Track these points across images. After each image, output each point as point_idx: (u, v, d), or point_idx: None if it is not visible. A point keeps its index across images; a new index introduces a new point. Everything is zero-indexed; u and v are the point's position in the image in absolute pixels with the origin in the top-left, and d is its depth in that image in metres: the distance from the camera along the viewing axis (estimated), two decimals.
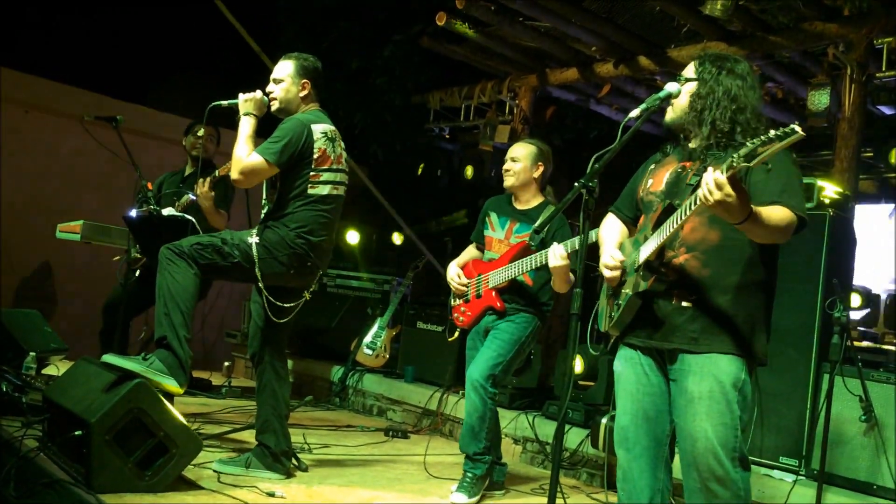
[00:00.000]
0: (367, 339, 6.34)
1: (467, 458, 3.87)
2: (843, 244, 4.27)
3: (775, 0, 5.16)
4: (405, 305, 6.45)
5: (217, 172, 4.44)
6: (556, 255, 3.54)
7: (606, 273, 2.64)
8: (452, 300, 4.17)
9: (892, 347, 5.75)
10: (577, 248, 3.54)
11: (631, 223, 2.84)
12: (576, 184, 2.38)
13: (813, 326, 4.02)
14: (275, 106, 3.66)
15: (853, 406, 3.78)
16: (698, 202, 2.28)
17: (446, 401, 5.58)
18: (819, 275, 4.02)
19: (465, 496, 3.75)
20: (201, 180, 4.46)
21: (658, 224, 2.54)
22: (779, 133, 2.10)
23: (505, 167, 4.05)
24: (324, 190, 3.62)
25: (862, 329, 6.46)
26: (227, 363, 6.65)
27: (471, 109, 7.55)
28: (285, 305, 3.65)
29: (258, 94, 3.61)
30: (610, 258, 2.64)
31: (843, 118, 4.99)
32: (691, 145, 2.67)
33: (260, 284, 3.54)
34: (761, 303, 2.60)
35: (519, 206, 4.07)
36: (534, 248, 3.75)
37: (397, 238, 7.71)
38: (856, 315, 6.40)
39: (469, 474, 3.83)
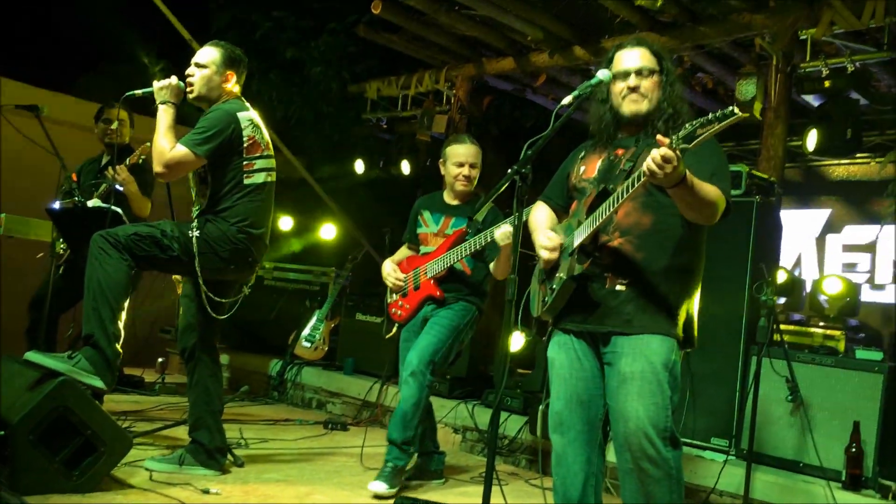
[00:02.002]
0: (306, 331, 6.29)
1: (393, 445, 3.76)
2: (769, 230, 4.40)
3: None
4: (344, 297, 6.40)
5: (128, 160, 4.28)
6: (504, 233, 3.51)
7: (544, 254, 2.65)
8: (389, 297, 4.13)
9: (818, 331, 5.97)
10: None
11: (561, 210, 2.86)
12: (509, 170, 2.38)
13: (741, 311, 4.13)
14: (191, 93, 3.52)
15: (780, 387, 3.90)
16: (640, 180, 2.31)
17: (386, 392, 5.56)
18: (747, 260, 4.14)
19: (385, 485, 3.64)
20: (118, 167, 4.28)
21: (592, 209, 2.57)
22: (717, 115, 2.15)
23: (464, 173, 3.97)
24: (259, 178, 3.56)
25: (790, 314, 6.67)
26: (160, 359, 6.49)
27: (408, 99, 7.52)
28: (224, 301, 3.58)
29: (174, 80, 3.47)
30: (546, 239, 2.66)
31: (769, 107, 5.12)
32: (628, 135, 2.70)
33: (199, 280, 3.45)
34: (691, 286, 2.67)
35: (452, 202, 4.07)
36: (470, 237, 3.77)
37: (333, 229, 7.63)
38: (782, 299, 6.61)
39: (391, 464, 3.73)
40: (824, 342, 4.59)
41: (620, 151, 2.67)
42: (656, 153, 2.24)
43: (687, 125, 2.21)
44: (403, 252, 4.22)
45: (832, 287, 5.75)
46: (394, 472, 3.73)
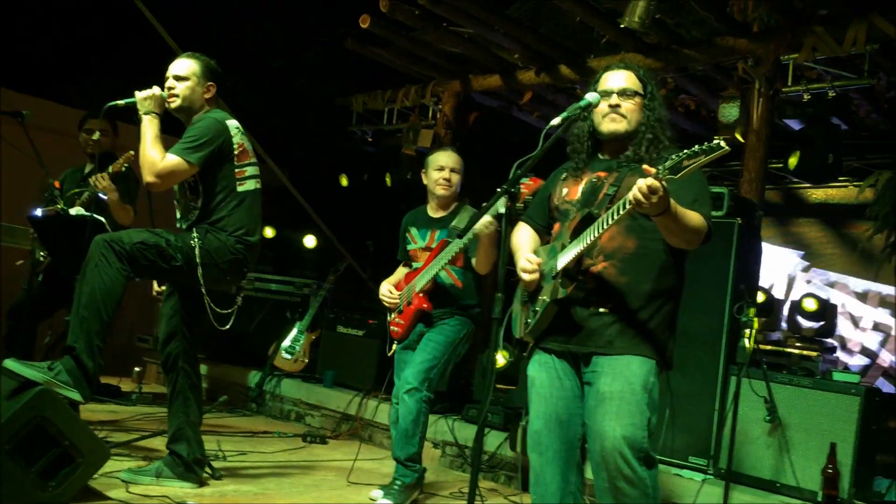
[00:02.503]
0: (286, 343, 6.25)
1: (399, 463, 3.81)
2: (749, 252, 4.45)
3: (689, 15, 5.33)
4: (325, 309, 6.38)
5: (111, 169, 4.24)
6: (484, 222, 3.48)
7: (525, 276, 2.68)
8: (389, 316, 4.14)
9: (795, 351, 6.03)
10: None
11: (543, 231, 2.89)
12: (498, 189, 2.40)
13: (721, 330, 4.16)
14: (175, 104, 3.51)
15: (759, 407, 3.93)
16: (626, 207, 2.34)
17: (366, 405, 5.54)
18: (728, 281, 4.17)
19: (390, 502, 3.70)
20: (99, 175, 4.24)
21: (576, 233, 2.59)
22: (704, 148, 2.18)
23: (444, 177, 3.99)
24: (251, 185, 3.58)
25: (767, 333, 6.75)
26: (137, 368, 6.41)
27: (394, 113, 7.54)
28: (224, 311, 3.57)
29: (156, 90, 3.46)
30: (527, 262, 2.68)
31: (751, 130, 5.19)
32: (610, 157, 2.74)
33: (203, 290, 3.43)
34: (672, 309, 2.70)
35: (436, 215, 4.09)
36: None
37: (311, 241, 7.62)
38: (760, 320, 6.69)
39: (398, 482, 3.78)
40: (801, 363, 4.65)
41: (603, 174, 2.70)
42: (642, 183, 2.26)
43: (673, 156, 2.23)
44: (400, 272, 4.22)
45: (809, 306, 5.82)
46: (402, 490, 3.76)
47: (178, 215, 3.59)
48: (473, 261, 3.83)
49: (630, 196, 2.31)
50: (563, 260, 2.60)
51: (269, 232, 7.86)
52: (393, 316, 4.08)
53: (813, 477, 3.73)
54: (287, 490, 3.79)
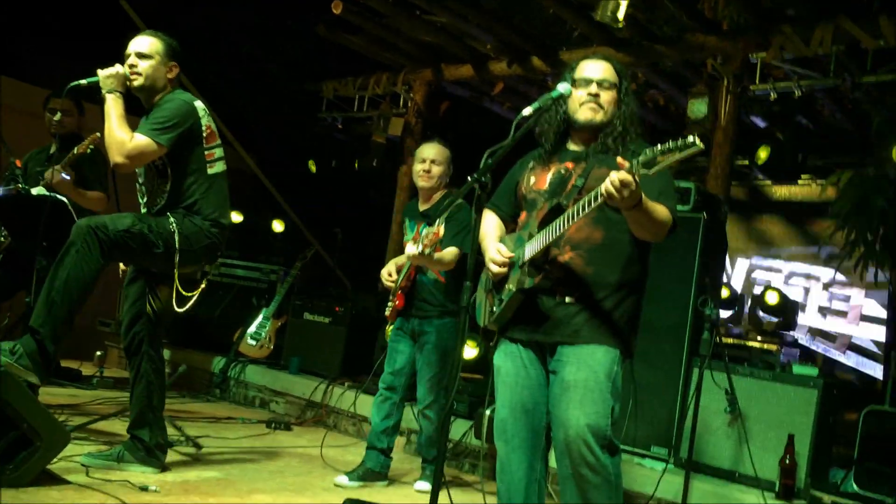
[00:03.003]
0: (252, 329, 6.22)
1: (426, 462, 4.16)
2: (714, 246, 4.51)
3: (661, 11, 5.38)
4: (292, 296, 6.34)
5: (76, 150, 4.12)
6: (407, 254, 3.63)
7: (493, 268, 2.69)
8: (390, 297, 4.18)
9: (755, 344, 6.15)
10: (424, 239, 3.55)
11: (508, 219, 2.90)
12: (469, 178, 2.40)
13: (685, 323, 4.22)
14: (137, 82, 3.42)
15: (720, 398, 4.00)
16: (597, 200, 2.35)
17: (331, 392, 5.53)
18: (692, 275, 4.23)
19: (429, 485, 3.94)
20: (51, 169, 4.08)
21: (544, 223, 2.60)
22: (678, 144, 2.19)
23: (424, 168, 4.02)
24: (219, 167, 3.54)
25: (729, 325, 6.87)
26: (98, 352, 6.34)
27: (364, 100, 7.50)
28: (189, 294, 3.52)
29: (119, 68, 3.37)
30: (497, 253, 2.69)
31: (718, 127, 5.26)
32: (578, 147, 2.75)
33: (175, 275, 3.38)
34: (637, 300, 2.73)
35: (423, 208, 4.13)
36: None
37: (279, 225, 7.56)
38: (723, 313, 6.80)
39: (428, 471, 4.11)
40: (762, 356, 4.73)
41: (571, 164, 2.71)
42: (615, 177, 2.27)
43: (647, 151, 2.25)
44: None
45: (771, 300, 5.92)
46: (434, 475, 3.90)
47: (143, 199, 3.52)
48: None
49: (602, 189, 2.33)
50: (531, 250, 2.61)
51: (236, 217, 7.78)
52: (392, 298, 4.12)
53: (771, 467, 3.80)
54: (251, 476, 3.77)
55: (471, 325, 2.85)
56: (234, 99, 7.89)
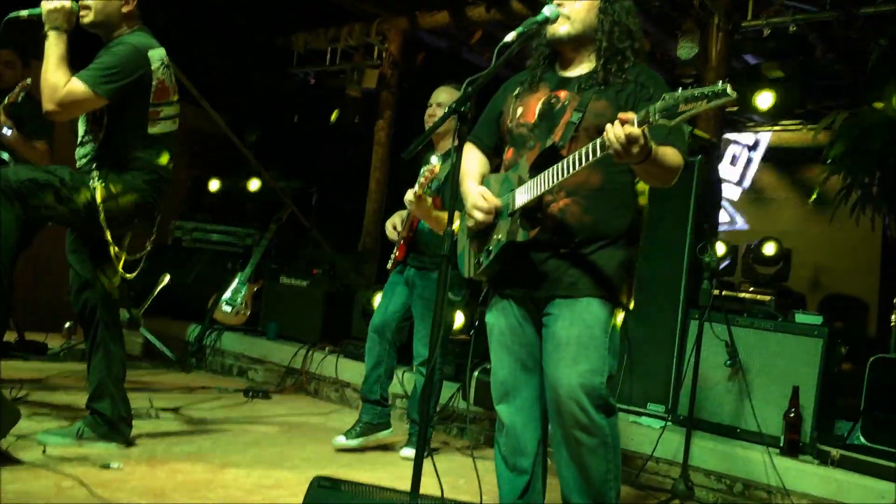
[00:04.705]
0: (227, 295, 5.94)
1: (414, 423, 3.93)
2: (708, 191, 4.28)
3: None
4: (268, 259, 6.07)
5: (6, 100, 3.76)
6: (406, 199, 3.49)
7: (478, 216, 2.41)
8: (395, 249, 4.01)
9: (747, 295, 5.96)
10: (440, 180, 3.41)
11: (492, 153, 2.63)
12: (448, 107, 2.13)
13: (681, 273, 4.00)
14: (87, 18, 3.09)
15: (719, 352, 3.80)
16: (601, 153, 2.08)
17: (311, 358, 5.29)
18: (688, 221, 4.00)
19: (413, 450, 3.67)
20: None
21: (537, 167, 2.32)
22: (706, 92, 1.91)
23: (430, 112, 3.89)
24: (165, 126, 3.22)
25: (722, 278, 6.67)
26: (67, 324, 6.04)
27: (337, 53, 7.15)
28: (133, 258, 3.24)
29: (66, 2, 3.01)
30: (480, 198, 2.41)
31: (709, 67, 5.00)
32: (567, 72, 2.48)
33: (107, 235, 3.09)
34: (635, 249, 2.48)
35: (435, 153, 3.91)
36: (427, 192, 3.55)
37: (255, 184, 7.26)
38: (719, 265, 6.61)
39: (415, 437, 3.81)
40: (754, 308, 4.53)
41: (562, 94, 2.43)
42: (620, 132, 2.00)
43: (667, 96, 1.96)
44: None
45: (769, 251, 5.72)
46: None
47: (77, 140, 3.21)
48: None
49: (609, 143, 2.05)
50: (522, 198, 2.34)
51: (214, 185, 7.47)
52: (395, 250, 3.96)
53: (775, 422, 3.62)
54: (223, 448, 3.53)
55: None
56: (200, 55, 7.51)
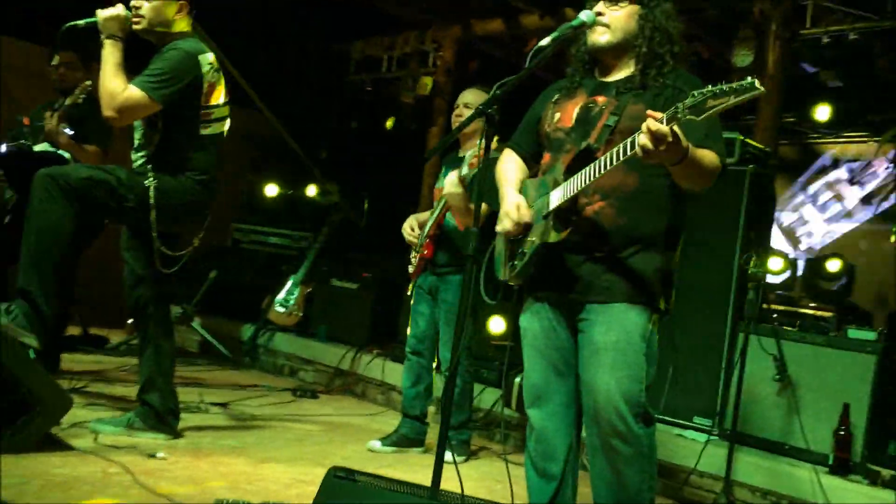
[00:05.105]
0: (280, 296, 6.05)
1: (451, 429, 3.81)
2: (762, 202, 4.19)
3: None
4: (320, 262, 6.18)
5: (67, 101, 3.90)
6: (449, 182, 3.45)
7: (507, 224, 2.40)
8: (412, 252, 4.03)
9: (808, 311, 5.79)
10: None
11: (530, 159, 2.63)
12: (476, 108, 2.16)
13: (730, 284, 3.93)
14: (141, 24, 3.20)
15: (767, 365, 3.72)
16: (630, 152, 2.08)
17: (359, 360, 5.36)
18: (737, 231, 3.93)
19: (454, 454, 3.71)
20: (48, 114, 3.89)
21: (572, 169, 2.33)
22: (734, 86, 1.89)
23: (457, 113, 3.92)
24: (216, 129, 3.34)
25: (780, 293, 6.50)
26: (130, 320, 6.26)
27: (393, 61, 7.25)
28: (176, 254, 3.35)
29: (120, 9, 3.14)
30: (515, 209, 2.39)
31: (766, 76, 4.90)
32: (607, 78, 2.47)
33: (153, 233, 3.22)
34: (673, 253, 2.45)
35: (460, 154, 3.94)
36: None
37: (312, 190, 7.39)
38: (776, 279, 6.45)
39: (454, 441, 3.84)
40: (815, 323, 4.41)
41: (601, 99, 2.43)
42: (644, 137, 1.99)
43: (695, 93, 1.95)
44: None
45: (833, 267, 5.55)
46: (460, 445, 3.89)
47: (134, 144, 3.34)
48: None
49: (639, 143, 2.04)
50: (556, 199, 2.35)
51: (272, 188, 7.65)
52: (413, 254, 3.97)
53: (824, 439, 3.52)
54: (266, 444, 3.61)
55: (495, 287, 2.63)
56: (260, 61, 7.68)
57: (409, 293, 4.07)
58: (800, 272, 6.77)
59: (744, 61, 4.86)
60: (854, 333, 3.69)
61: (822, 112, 5.02)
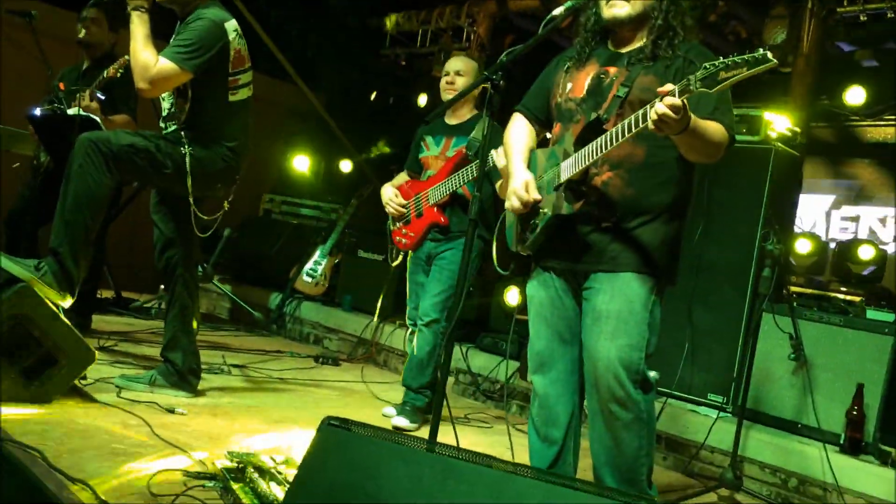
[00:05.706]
0: (308, 266, 6.17)
1: (409, 390, 3.84)
2: (787, 183, 4.15)
3: None
4: (348, 233, 6.26)
5: (105, 73, 3.99)
6: (501, 154, 3.40)
7: (514, 203, 2.42)
8: (391, 224, 4.01)
9: (838, 295, 5.71)
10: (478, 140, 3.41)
11: (540, 126, 2.65)
12: (482, 74, 2.19)
13: (750, 263, 3.90)
14: None
15: (784, 344, 3.69)
16: (642, 124, 2.10)
17: (382, 330, 5.44)
18: (760, 210, 3.89)
19: (406, 421, 3.70)
20: (80, 95, 3.98)
21: (581, 140, 2.35)
22: (747, 58, 1.91)
23: (447, 80, 3.87)
24: (243, 94, 3.42)
25: (810, 277, 6.42)
26: (163, 285, 6.42)
27: (427, 35, 7.26)
28: (208, 218, 3.46)
29: None
30: (524, 189, 2.40)
31: (800, 54, 4.82)
32: (621, 49, 2.48)
33: (190, 198, 3.32)
34: (679, 224, 2.47)
35: (452, 122, 3.93)
36: (472, 157, 3.60)
37: (346, 165, 7.49)
38: (805, 262, 6.36)
39: (409, 405, 3.80)
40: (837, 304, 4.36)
41: (612, 70, 2.45)
42: (662, 107, 2.01)
43: (707, 65, 1.97)
44: (401, 178, 4.10)
45: (865, 253, 5.46)
46: (413, 411, 3.77)
47: (163, 113, 3.43)
48: (497, 185, 3.65)
49: (650, 117, 2.07)
50: (567, 171, 2.38)
51: (306, 161, 7.75)
52: (398, 226, 3.95)
53: (837, 419, 3.50)
54: (283, 405, 3.71)
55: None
56: (297, 34, 7.75)
57: (394, 263, 4.04)
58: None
59: (776, 39, 4.78)
60: (873, 314, 3.66)
61: (855, 96, 4.90)
